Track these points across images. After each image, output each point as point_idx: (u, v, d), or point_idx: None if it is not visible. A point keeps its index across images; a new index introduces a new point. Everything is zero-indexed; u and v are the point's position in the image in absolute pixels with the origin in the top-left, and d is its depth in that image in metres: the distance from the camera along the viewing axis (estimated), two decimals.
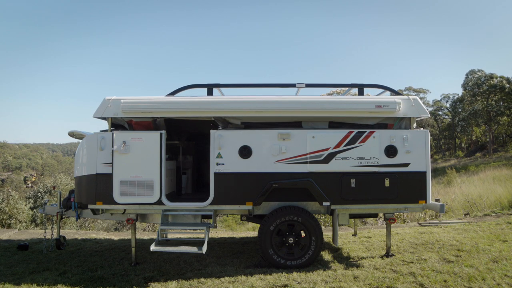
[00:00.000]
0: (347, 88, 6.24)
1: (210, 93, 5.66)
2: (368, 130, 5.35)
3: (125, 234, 8.84)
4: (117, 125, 5.70)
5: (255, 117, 5.47)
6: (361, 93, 5.73)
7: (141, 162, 5.29)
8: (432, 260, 5.42)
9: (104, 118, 5.50)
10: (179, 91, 5.64)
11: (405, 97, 5.51)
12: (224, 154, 5.33)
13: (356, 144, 5.32)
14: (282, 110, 5.39)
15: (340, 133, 5.34)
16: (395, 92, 5.71)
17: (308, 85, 5.73)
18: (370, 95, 6.54)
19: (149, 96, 5.52)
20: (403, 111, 5.41)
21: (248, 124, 5.54)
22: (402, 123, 5.57)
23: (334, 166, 5.32)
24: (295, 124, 5.56)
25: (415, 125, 5.60)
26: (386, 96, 5.72)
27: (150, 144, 5.30)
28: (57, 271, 5.31)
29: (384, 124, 5.57)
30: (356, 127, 5.53)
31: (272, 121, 5.52)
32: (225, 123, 5.53)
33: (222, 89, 5.94)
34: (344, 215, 5.53)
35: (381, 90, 5.93)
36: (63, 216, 6.15)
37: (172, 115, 5.45)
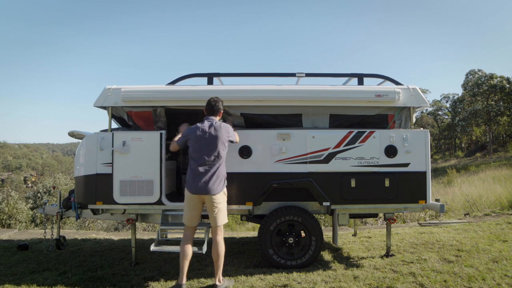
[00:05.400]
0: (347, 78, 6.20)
1: (210, 82, 5.66)
2: (368, 130, 5.35)
3: (125, 234, 8.84)
4: (117, 117, 5.70)
5: (254, 106, 5.45)
6: (360, 83, 5.72)
7: (141, 162, 5.28)
8: (432, 260, 5.42)
9: (104, 108, 5.49)
10: (179, 80, 5.62)
11: (405, 86, 5.50)
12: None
13: (356, 144, 5.32)
14: (281, 99, 5.38)
15: (340, 133, 5.34)
16: (394, 82, 5.70)
17: (308, 75, 5.74)
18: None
19: (149, 85, 5.52)
20: (402, 101, 5.39)
21: (248, 117, 5.53)
22: (402, 113, 5.57)
23: (334, 166, 5.32)
24: (296, 117, 5.56)
25: (415, 116, 5.58)
26: (386, 86, 5.71)
27: (150, 144, 5.29)
28: (57, 271, 5.31)
29: (385, 115, 5.57)
30: (357, 119, 5.54)
31: (272, 112, 5.52)
32: (225, 114, 5.52)
33: (222, 79, 5.94)
34: (344, 215, 5.52)
35: (381, 80, 5.92)
36: (63, 216, 6.15)
37: (172, 104, 5.44)
